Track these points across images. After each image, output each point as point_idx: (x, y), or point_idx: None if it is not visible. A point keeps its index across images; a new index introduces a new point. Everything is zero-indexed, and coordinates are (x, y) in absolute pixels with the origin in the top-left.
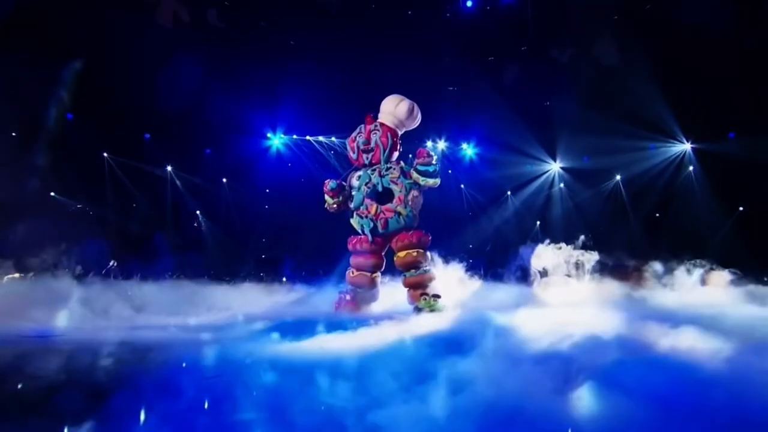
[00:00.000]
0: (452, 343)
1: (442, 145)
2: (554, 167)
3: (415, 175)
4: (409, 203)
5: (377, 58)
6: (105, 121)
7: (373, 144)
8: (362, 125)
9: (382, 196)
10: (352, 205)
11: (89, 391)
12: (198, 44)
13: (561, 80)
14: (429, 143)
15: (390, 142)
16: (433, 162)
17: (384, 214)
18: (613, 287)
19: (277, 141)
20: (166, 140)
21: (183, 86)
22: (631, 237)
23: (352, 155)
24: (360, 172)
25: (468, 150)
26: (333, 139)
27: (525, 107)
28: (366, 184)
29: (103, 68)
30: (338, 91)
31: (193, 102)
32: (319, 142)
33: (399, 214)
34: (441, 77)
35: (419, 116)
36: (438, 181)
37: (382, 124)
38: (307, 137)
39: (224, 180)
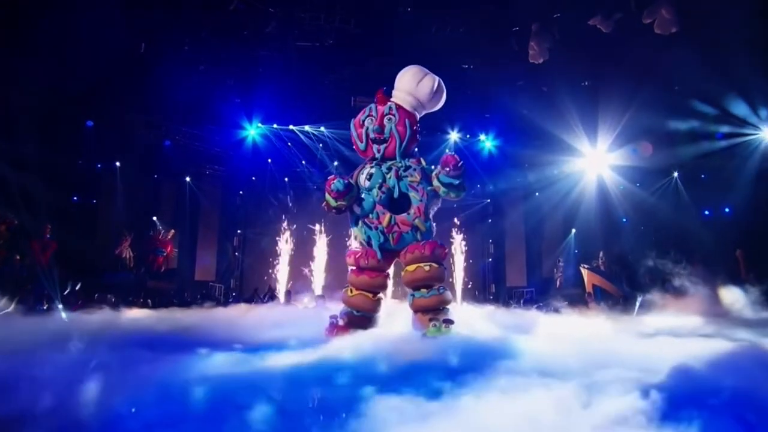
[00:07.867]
0: None
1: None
2: (595, 161)
3: (436, 183)
4: (430, 216)
5: (374, 28)
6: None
7: (387, 133)
8: (372, 104)
9: (397, 203)
10: (358, 211)
11: None
12: (158, 15)
13: (603, 54)
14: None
15: (408, 132)
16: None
17: (399, 227)
18: None
19: (253, 132)
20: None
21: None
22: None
23: (359, 144)
24: (372, 170)
25: (487, 142)
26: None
27: (558, 88)
28: (379, 187)
29: (44, 46)
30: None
31: (154, 86)
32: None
33: (417, 228)
34: (454, 53)
35: (444, 97)
36: (463, 194)
37: (399, 107)
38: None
39: (188, 179)
